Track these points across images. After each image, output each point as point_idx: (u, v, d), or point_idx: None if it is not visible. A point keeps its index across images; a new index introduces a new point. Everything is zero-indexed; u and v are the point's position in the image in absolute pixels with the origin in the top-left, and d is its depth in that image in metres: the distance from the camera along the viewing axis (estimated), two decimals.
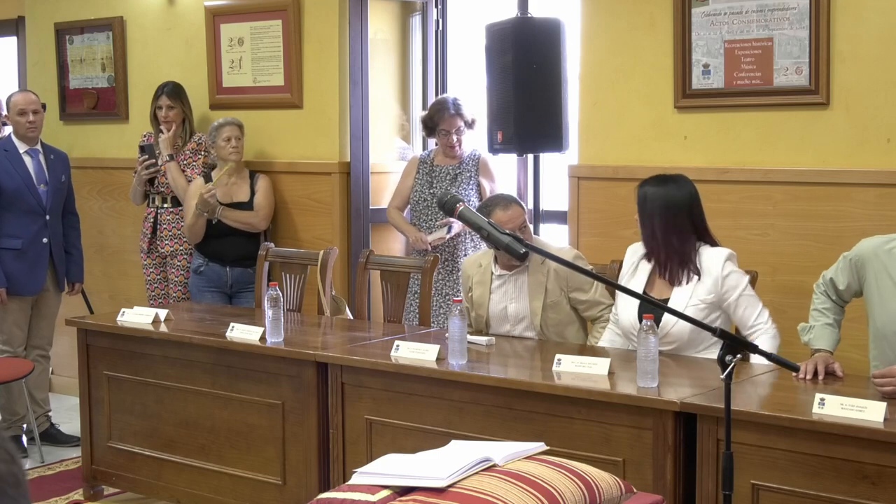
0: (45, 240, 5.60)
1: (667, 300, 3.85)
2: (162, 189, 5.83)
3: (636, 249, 4.04)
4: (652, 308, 3.67)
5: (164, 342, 4.48)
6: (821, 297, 3.70)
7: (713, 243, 3.94)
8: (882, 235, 3.59)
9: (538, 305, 4.21)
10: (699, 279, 3.85)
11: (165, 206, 5.83)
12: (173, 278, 5.81)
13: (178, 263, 5.80)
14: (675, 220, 3.86)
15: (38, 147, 5.68)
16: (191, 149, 5.81)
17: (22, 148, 5.60)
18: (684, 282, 3.86)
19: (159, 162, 5.79)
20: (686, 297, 3.84)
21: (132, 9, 6.41)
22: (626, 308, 3.95)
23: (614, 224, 4.81)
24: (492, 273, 4.29)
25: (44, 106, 5.83)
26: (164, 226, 5.82)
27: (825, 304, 3.68)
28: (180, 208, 5.76)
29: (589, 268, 4.07)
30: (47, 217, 5.60)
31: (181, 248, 5.79)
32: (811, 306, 3.73)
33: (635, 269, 4.00)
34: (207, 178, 5.66)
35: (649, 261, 3.97)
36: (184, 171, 5.75)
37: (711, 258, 3.86)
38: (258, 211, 5.66)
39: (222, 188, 5.57)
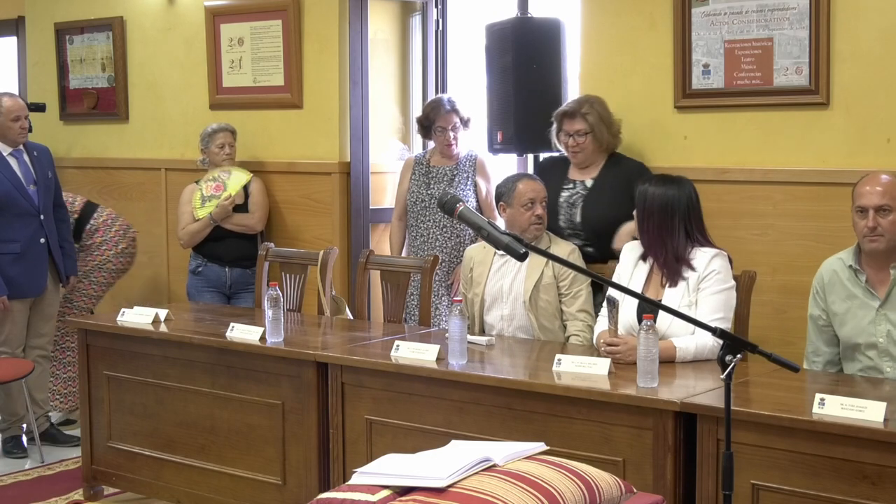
0: (42, 240, 5.55)
1: (661, 301, 3.84)
2: None
3: (633, 248, 4.04)
4: (652, 308, 3.67)
5: (164, 342, 4.48)
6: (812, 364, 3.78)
7: (709, 245, 3.93)
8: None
9: (531, 284, 4.29)
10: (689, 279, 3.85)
11: None
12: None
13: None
14: (670, 222, 3.86)
15: (21, 147, 5.58)
16: None
17: (5, 151, 5.49)
18: (679, 282, 3.85)
19: None
20: (678, 297, 3.83)
21: (132, 9, 6.41)
22: (624, 308, 3.94)
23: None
24: (494, 253, 4.35)
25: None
26: None
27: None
28: None
29: (581, 264, 4.16)
30: (41, 217, 5.54)
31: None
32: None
33: (633, 269, 4.00)
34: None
35: (646, 260, 3.97)
36: None
37: (701, 257, 3.86)
38: (254, 213, 5.67)
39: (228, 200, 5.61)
